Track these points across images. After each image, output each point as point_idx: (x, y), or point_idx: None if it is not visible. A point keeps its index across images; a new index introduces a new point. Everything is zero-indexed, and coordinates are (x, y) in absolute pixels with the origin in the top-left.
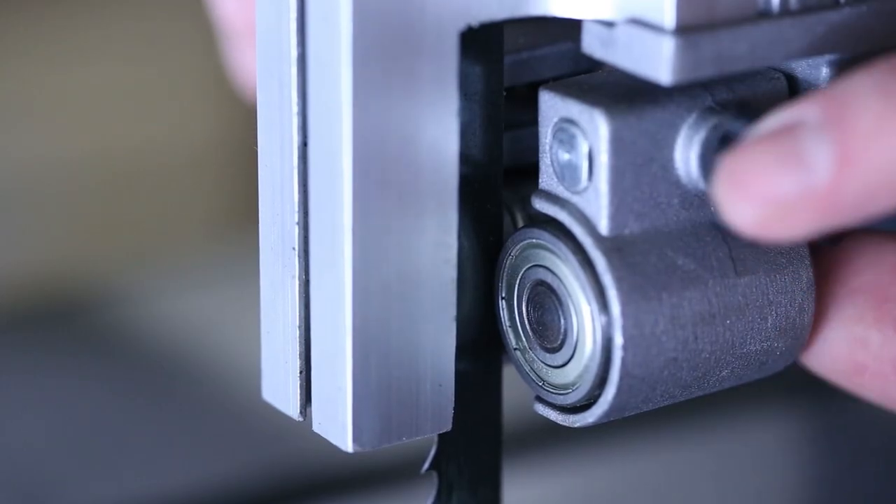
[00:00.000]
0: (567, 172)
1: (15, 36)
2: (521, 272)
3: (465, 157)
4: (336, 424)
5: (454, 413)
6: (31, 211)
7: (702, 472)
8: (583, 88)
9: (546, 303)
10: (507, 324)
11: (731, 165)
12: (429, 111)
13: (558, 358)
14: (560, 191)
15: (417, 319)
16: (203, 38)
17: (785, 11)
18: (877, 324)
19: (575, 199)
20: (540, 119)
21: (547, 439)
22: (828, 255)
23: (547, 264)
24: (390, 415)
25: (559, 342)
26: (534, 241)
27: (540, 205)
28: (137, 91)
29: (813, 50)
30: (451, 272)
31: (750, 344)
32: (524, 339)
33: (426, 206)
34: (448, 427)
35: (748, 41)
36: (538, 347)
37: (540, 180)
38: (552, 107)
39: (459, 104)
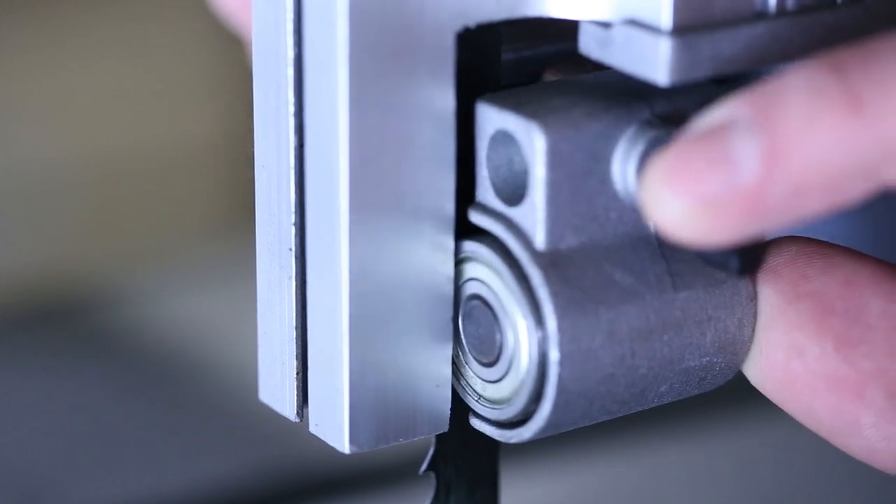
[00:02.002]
0: (503, 186)
1: (15, 36)
2: (457, 285)
3: (462, 159)
4: (333, 425)
5: (451, 414)
6: (31, 211)
7: (701, 473)
8: (520, 100)
9: (482, 317)
10: None
11: (660, 164)
12: (426, 112)
13: (494, 373)
14: (496, 204)
15: (414, 320)
16: (203, 38)
17: (782, 12)
18: (817, 336)
19: (511, 212)
20: (476, 131)
21: (544, 440)
22: (781, 255)
23: (483, 278)
24: (387, 416)
25: (495, 357)
26: (469, 254)
27: (476, 218)
28: (137, 91)
29: (810, 51)
30: (448, 273)
31: (689, 360)
32: (460, 352)
33: (423, 207)
34: (445, 428)
35: (745, 42)
36: (474, 361)
37: (476, 192)
38: (488, 119)
39: (456, 105)
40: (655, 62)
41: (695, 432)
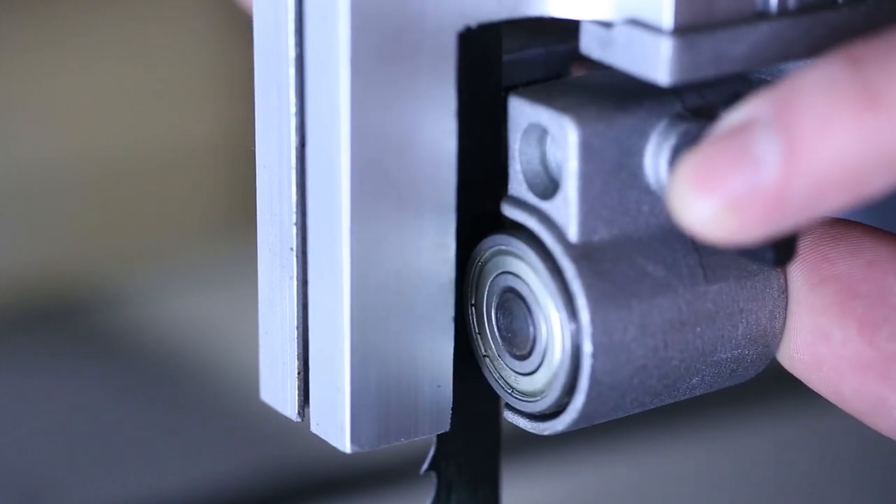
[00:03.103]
0: (536, 179)
1: (15, 36)
2: (491, 279)
3: (463, 158)
4: (334, 425)
5: (452, 413)
6: (31, 211)
7: (702, 473)
8: (552, 94)
9: (515, 310)
10: (476, 330)
11: (686, 166)
12: (427, 112)
13: (527, 365)
14: (529, 197)
15: (416, 320)
16: (203, 38)
17: (783, 12)
18: (840, 320)
19: (544, 205)
20: (509, 125)
21: (545, 439)
22: (804, 238)
23: (516, 271)
24: (388, 415)
25: (528, 349)
26: (503, 247)
27: (509, 211)
28: (137, 91)
29: (812, 51)
30: (449, 273)
31: (720, 352)
32: (493, 345)
33: (425, 207)
34: (446, 428)
35: (746, 42)
36: (507, 354)
37: (509, 186)
38: (521, 112)
39: (458, 104)
40: (656, 62)
41: (695, 432)
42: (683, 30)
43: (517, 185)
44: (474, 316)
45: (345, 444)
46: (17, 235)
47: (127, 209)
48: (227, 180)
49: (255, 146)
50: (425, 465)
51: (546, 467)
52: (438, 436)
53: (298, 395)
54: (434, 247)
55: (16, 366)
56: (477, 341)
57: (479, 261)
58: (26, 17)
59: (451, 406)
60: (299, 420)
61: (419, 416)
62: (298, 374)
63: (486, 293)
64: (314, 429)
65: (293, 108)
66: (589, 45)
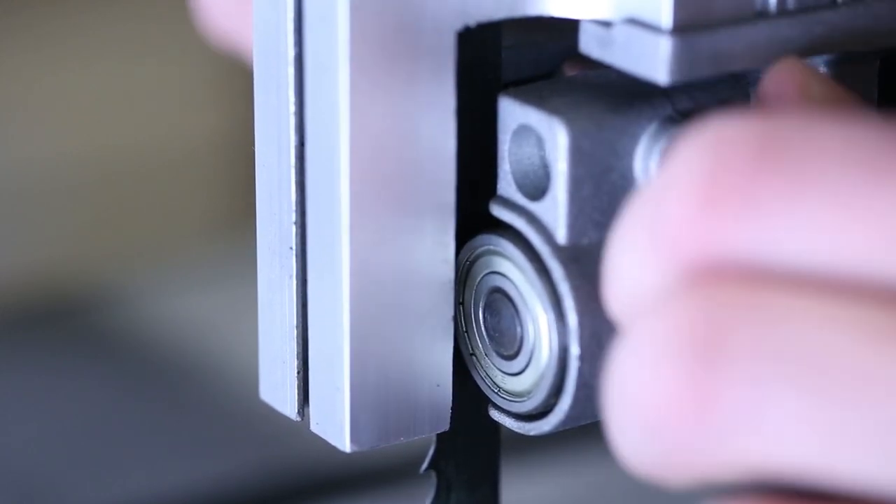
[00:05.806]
0: (525, 180)
1: (15, 36)
2: (478, 278)
3: (463, 157)
4: (334, 424)
5: (452, 412)
6: (31, 211)
7: None
8: (542, 95)
9: (503, 310)
10: (464, 329)
11: None
12: (427, 111)
13: (514, 365)
14: (518, 198)
15: (415, 319)
16: (203, 38)
17: (782, 11)
18: None
19: (533, 206)
20: (498, 125)
21: (546, 439)
22: None
23: (504, 272)
24: (388, 414)
25: (515, 350)
26: (491, 247)
27: (497, 211)
28: (137, 91)
29: (811, 50)
30: (449, 272)
31: None
32: (480, 344)
33: (424, 206)
34: (446, 427)
35: (746, 41)
36: (494, 354)
37: (498, 187)
38: (511, 113)
39: (457, 103)
40: (655, 61)
41: None
42: (682, 29)
43: (506, 186)
44: (462, 315)
45: (345, 444)
46: (17, 235)
47: (127, 209)
48: (227, 180)
49: (254, 146)
50: (425, 465)
51: (546, 467)
52: (438, 435)
53: (298, 394)
54: (433, 246)
55: (16, 366)
56: (464, 340)
57: (466, 260)
58: (26, 17)
59: (450, 405)
60: (299, 419)
61: (419, 415)
62: (298, 373)
63: (473, 292)
64: (314, 428)
65: (293, 108)
66: (588, 44)
